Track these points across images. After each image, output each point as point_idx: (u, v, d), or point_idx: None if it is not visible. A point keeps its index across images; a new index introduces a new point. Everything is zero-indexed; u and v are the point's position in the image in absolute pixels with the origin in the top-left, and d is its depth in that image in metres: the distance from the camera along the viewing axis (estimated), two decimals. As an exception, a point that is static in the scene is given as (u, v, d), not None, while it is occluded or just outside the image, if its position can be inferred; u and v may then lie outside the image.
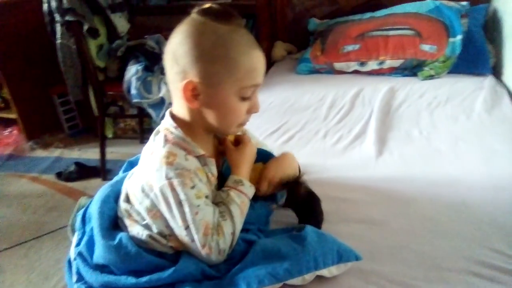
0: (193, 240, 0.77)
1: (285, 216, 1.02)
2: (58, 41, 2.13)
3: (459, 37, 1.80)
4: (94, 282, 0.82)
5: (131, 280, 0.79)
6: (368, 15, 2.02)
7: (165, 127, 0.85)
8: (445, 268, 0.87)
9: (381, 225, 1.01)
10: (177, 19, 0.82)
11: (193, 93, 0.80)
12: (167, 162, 0.78)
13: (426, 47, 1.82)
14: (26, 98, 2.60)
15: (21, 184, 2.28)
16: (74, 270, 0.88)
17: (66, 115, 2.77)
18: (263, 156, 1.01)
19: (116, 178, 1.03)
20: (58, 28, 2.09)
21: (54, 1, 1.95)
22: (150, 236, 0.82)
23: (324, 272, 0.81)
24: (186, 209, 0.77)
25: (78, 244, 0.91)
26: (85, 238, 0.89)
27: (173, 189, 0.77)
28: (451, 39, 1.80)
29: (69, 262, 0.92)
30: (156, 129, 0.88)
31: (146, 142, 0.89)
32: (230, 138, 0.96)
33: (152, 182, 0.80)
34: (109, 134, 2.68)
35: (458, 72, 1.80)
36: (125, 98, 2.07)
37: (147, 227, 0.83)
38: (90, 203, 0.97)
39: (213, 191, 0.87)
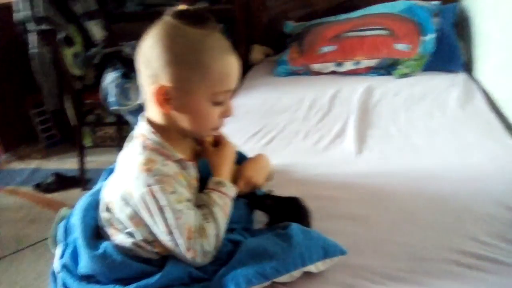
0: (177, 245, 0.77)
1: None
2: (33, 50, 2.09)
3: (431, 36, 1.85)
4: (81, 293, 0.81)
5: (119, 288, 0.78)
6: (343, 16, 2.05)
7: (141, 132, 0.84)
8: (427, 259, 0.89)
9: (364, 220, 1.03)
10: (152, 26, 0.81)
11: (165, 97, 0.79)
12: (145, 169, 0.77)
13: (400, 46, 1.86)
14: (1, 110, 2.53)
15: (-1, 197, 2.22)
16: (59, 282, 0.87)
17: (42, 126, 2.71)
18: (238, 158, 1.01)
19: (96, 187, 1.02)
20: (32, 37, 2.05)
21: (28, 10, 1.92)
22: (135, 244, 0.81)
23: (311, 268, 0.82)
24: (168, 214, 0.76)
25: (62, 256, 0.89)
26: (69, 250, 0.88)
27: (153, 196, 0.76)
28: (423, 38, 1.85)
29: (54, 275, 0.91)
30: (130, 135, 0.87)
31: (125, 150, 0.87)
32: (209, 139, 0.95)
33: (131, 190, 0.79)
34: (88, 143, 2.64)
35: (432, 69, 1.85)
36: (103, 106, 2.04)
37: (130, 235, 0.82)
38: (71, 214, 0.95)
39: (194, 194, 0.86)
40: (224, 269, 0.79)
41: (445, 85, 1.72)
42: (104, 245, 0.83)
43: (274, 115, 1.67)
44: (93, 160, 2.41)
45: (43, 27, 1.89)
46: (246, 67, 2.20)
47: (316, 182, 1.20)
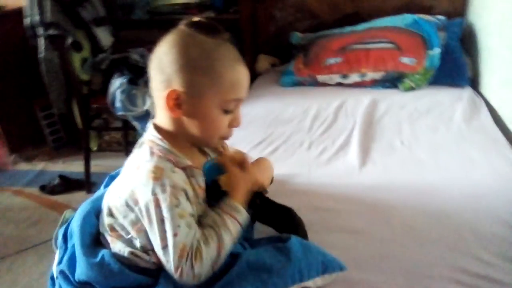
0: (168, 261, 0.75)
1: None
2: (41, 55, 2.12)
3: (437, 50, 1.85)
4: (77, 300, 0.81)
5: (114, 297, 0.78)
6: (348, 28, 2.06)
7: (150, 139, 0.84)
8: (428, 276, 0.89)
9: (364, 234, 1.03)
10: (159, 33, 0.83)
11: (176, 102, 0.80)
12: (154, 177, 0.77)
13: (405, 60, 1.87)
14: (9, 112, 2.56)
15: (4, 197, 2.24)
16: (57, 287, 0.87)
17: (49, 128, 2.74)
18: None
19: (97, 194, 1.01)
20: (41, 42, 2.08)
21: (36, 15, 1.95)
22: (132, 253, 0.81)
23: (309, 283, 0.81)
24: (167, 227, 0.75)
25: (60, 262, 0.90)
26: (67, 256, 0.88)
27: (157, 206, 0.76)
28: (429, 52, 1.85)
29: (52, 279, 0.91)
30: (139, 141, 0.87)
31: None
32: (229, 154, 0.95)
33: (137, 196, 0.79)
34: (94, 147, 2.66)
35: (438, 84, 1.85)
36: (110, 111, 2.06)
37: (129, 242, 0.82)
38: (71, 219, 0.95)
39: (200, 203, 0.85)
40: (222, 282, 0.78)
41: (451, 99, 1.72)
42: (102, 253, 0.82)
43: (279, 125, 1.68)
44: (98, 164, 2.43)
45: (51, 32, 1.91)
46: (252, 77, 2.22)
47: (318, 193, 1.20)
